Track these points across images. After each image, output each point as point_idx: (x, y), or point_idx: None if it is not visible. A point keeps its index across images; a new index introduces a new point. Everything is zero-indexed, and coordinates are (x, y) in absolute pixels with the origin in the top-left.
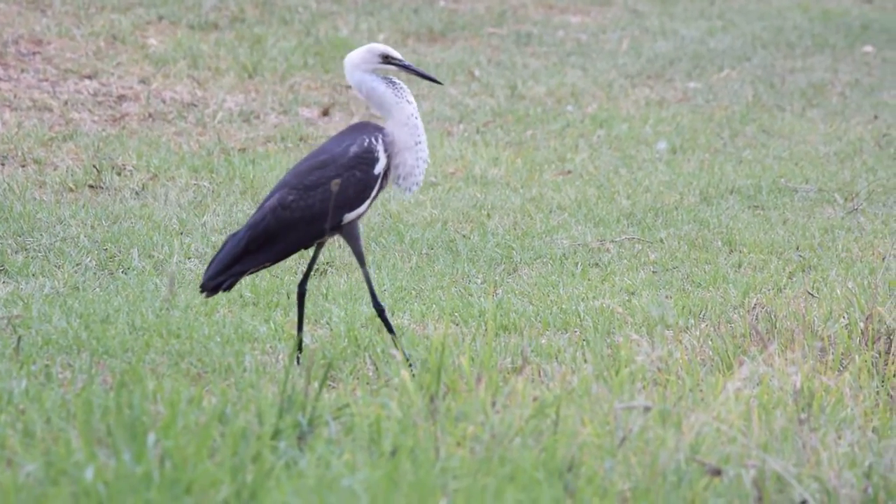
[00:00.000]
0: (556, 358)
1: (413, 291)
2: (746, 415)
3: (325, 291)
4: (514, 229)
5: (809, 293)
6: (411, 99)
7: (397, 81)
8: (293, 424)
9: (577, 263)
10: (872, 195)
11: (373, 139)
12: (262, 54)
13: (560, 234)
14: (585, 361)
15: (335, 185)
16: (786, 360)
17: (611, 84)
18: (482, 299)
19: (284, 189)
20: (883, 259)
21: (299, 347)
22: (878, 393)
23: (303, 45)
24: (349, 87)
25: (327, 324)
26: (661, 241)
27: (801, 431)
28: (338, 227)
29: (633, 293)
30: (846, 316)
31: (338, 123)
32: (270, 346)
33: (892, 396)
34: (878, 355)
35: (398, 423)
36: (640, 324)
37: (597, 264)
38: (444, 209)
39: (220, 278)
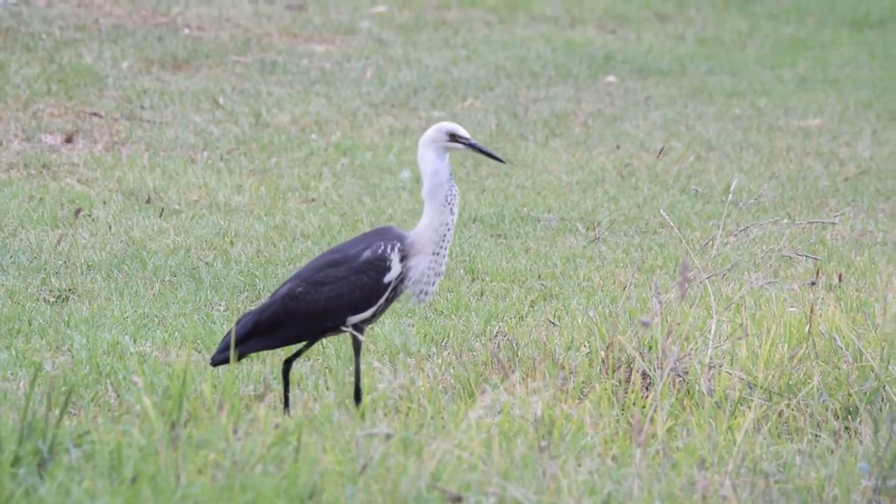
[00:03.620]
0: (299, 385)
1: (156, 319)
2: (487, 442)
3: (66, 318)
4: (258, 257)
5: (551, 322)
6: (455, 210)
7: (455, 190)
8: (33, 451)
9: None
10: (614, 224)
11: (388, 247)
12: (4, 81)
13: (303, 263)
14: (328, 389)
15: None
16: (527, 388)
17: (355, 113)
18: (225, 326)
19: (297, 280)
20: (624, 288)
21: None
22: (617, 421)
23: (46, 71)
24: (96, 114)
25: (69, 350)
26: None
27: (542, 459)
28: (342, 327)
29: None
30: (587, 344)
31: (81, 150)
32: (11, 373)
33: (631, 425)
34: (618, 384)
35: (139, 450)
36: (382, 351)
37: None
38: (187, 236)
39: (227, 353)
